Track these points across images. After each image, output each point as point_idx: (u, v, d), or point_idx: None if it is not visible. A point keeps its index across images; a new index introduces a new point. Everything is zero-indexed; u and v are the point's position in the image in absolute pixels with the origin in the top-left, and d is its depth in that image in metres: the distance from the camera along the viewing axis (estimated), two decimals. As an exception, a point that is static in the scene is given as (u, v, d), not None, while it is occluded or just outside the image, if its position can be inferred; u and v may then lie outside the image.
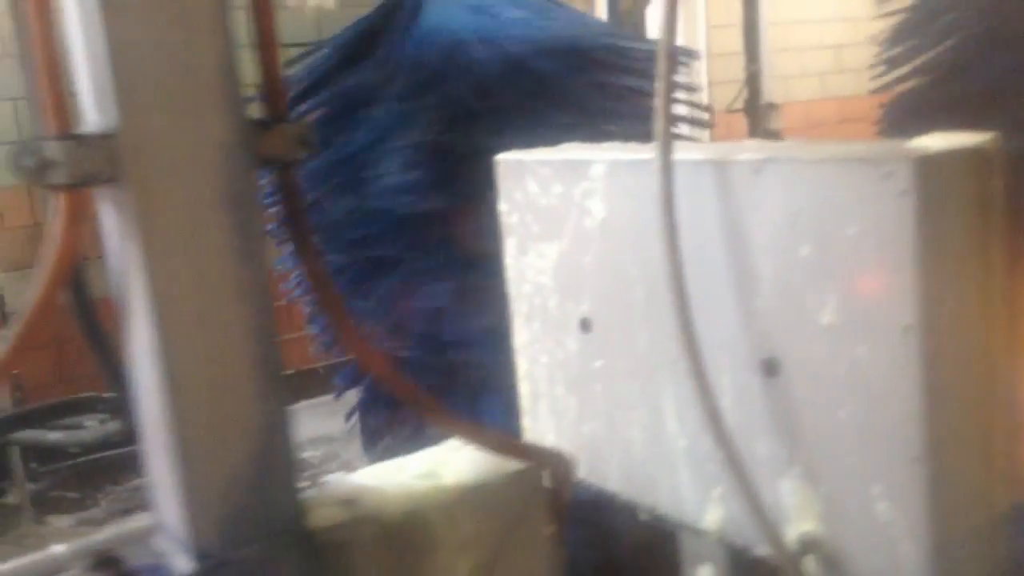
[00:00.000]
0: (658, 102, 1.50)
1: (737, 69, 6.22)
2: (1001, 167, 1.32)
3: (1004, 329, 1.45)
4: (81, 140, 0.97)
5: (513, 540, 1.29)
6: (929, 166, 1.26)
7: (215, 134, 1.03)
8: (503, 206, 2.04)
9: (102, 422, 1.57)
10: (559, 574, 1.34)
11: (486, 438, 1.26)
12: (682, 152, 1.54)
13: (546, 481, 1.31)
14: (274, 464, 1.11)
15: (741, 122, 6.17)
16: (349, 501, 1.22)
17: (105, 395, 1.59)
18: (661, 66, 1.49)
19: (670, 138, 1.48)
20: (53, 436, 1.56)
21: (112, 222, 1.04)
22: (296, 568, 1.14)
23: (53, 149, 0.96)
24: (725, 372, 1.59)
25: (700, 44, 7.29)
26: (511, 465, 1.29)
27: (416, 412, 1.20)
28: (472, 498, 1.26)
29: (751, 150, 1.51)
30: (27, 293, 0.98)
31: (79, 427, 1.60)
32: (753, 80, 5.90)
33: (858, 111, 7.95)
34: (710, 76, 7.30)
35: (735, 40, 6.23)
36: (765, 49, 5.95)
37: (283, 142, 1.08)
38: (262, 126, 1.07)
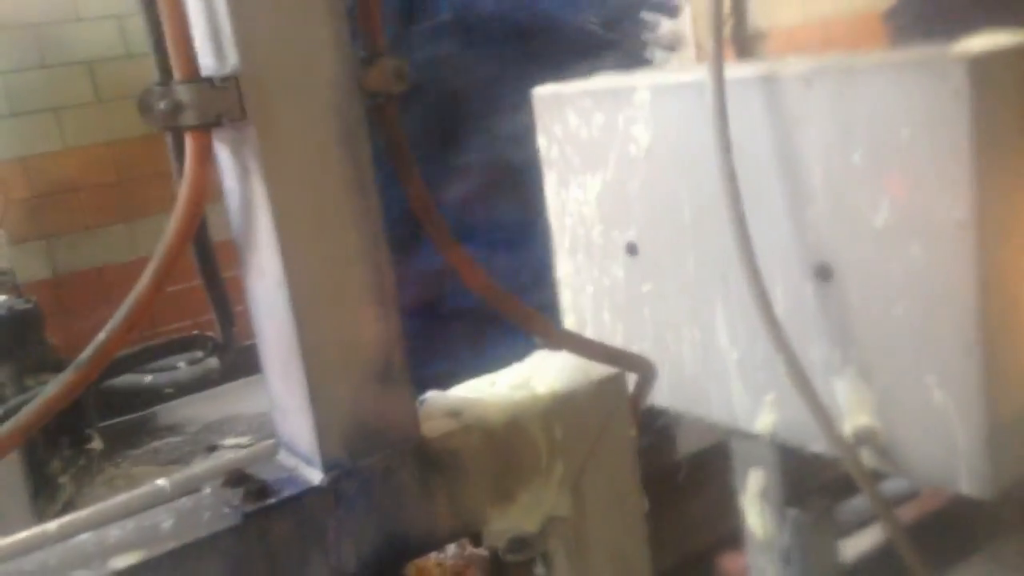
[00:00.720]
0: (709, 19, 1.55)
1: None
2: (1046, 64, 1.39)
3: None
4: (207, 82, 1.02)
5: (601, 443, 1.38)
6: (981, 65, 1.33)
7: (327, 71, 1.08)
8: (542, 140, 2.09)
9: (191, 363, 1.63)
10: (639, 475, 1.43)
11: (580, 344, 1.34)
12: (730, 71, 1.60)
13: (629, 386, 1.40)
14: (392, 378, 1.18)
15: (729, 51, 6.19)
16: (455, 412, 1.29)
17: (204, 334, 1.64)
18: (711, -10, 1.54)
19: (721, 56, 1.54)
20: (148, 379, 1.61)
21: (235, 161, 1.10)
22: (414, 475, 1.22)
23: (183, 92, 1.01)
24: (778, 281, 1.66)
25: (683, -26, 7.25)
26: (597, 372, 1.37)
27: (517, 322, 1.28)
28: (564, 405, 1.34)
29: (799, 64, 1.57)
30: (164, 233, 1.04)
31: (172, 368, 1.65)
32: (739, 7, 5.89)
33: (841, 35, 7.97)
34: (695, 8, 7.27)
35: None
36: (751, -24, 5.94)
37: (383, 77, 1.13)
38: (364, 62, 1.13)
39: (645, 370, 1.38)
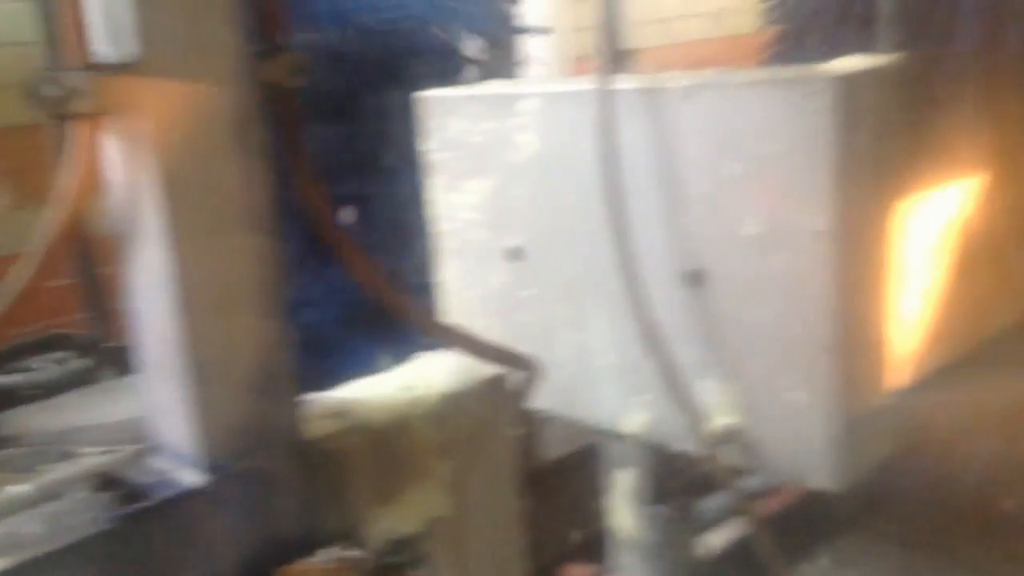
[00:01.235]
0: (599, 32, 1.59)
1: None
2: (901, 86, 1.50)
3: (897, 236, 1.65)
4: (103, 70, 0.98)
5: (484, 444, 1.40)
6: (848, 85, 1.42)
7: (224, 63, 1.05)
8: (427, 144, 2.09)
9: (59, 362, 1.54)
10: (521, 473, 1.46)
11: (469, 343, 1.35)
12: (615, 82, 1.64)
13: (512, 386, 1.42)
14: (277, 379, 1.16)
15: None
16: (339, 413, 1.28)
17: (67, 333, 1.55)
18: (600, 3, 1.59)
19: (610, 67, 1.58)
20: (9, 379, 1.52)
21: (125, 150, 1.05)
22: (297, 476, 1.20)
23: (77, 78, 0.97)
24: (653, 286, 1.72)
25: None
26: (482, 371, 1.38)
27: (411, 323, 1.28)
28: (449, 405, 1.35)
29: (679, 78, 1.63)
30: (45, 224, 0.99)
31: (33, 369, 1.55)
32: (609, 26, 6.04)
33: (702, 56, 8.29)
34: (570, 22, 7.40)
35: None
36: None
37: (281, 70, 1.11)
38: (262, 55, 1.10)
39: (531, 370, 1.41)
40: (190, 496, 1.10)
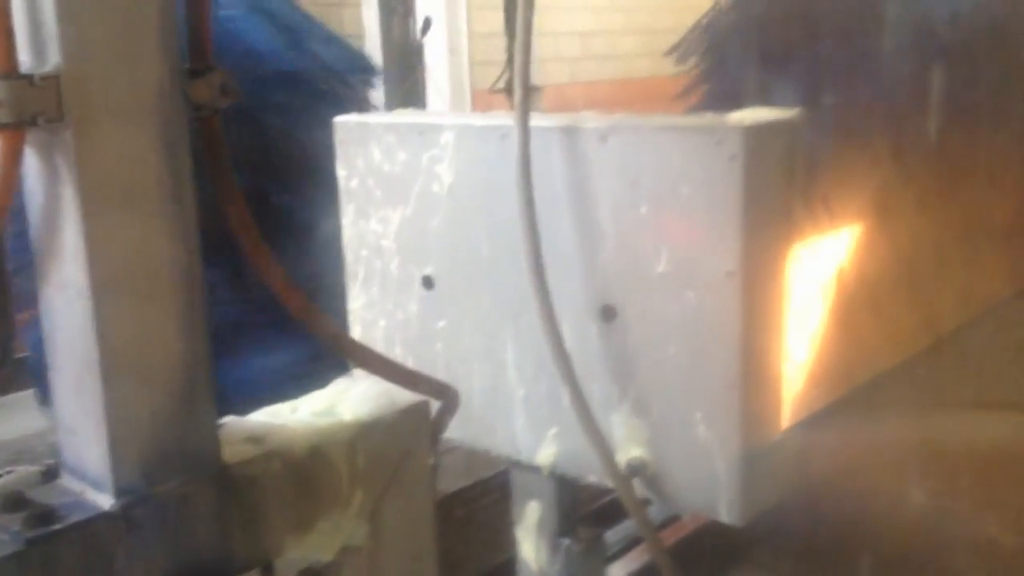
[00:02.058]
0: (516, 70, 1.64)
1: (499, 50, 6.48)
2: (802, 135, 1.59)
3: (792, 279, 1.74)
4: (26, 79, 0.96)
5: (402, 472, 1.40)
6: (754, 134, 1.50)
7: (153, 79, 1.04)
8: (342, 171, 2.09)
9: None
10: (436, 501, 1.46)
11: (389, 369, 1.35)
12: (534, 120, 1.69)
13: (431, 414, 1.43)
14: (195, 400, 1.15)
15: (502, 102, 6.46)
16: (256, 438, 1.27)
17: None
18: (519, 41, 1.64)
19: (528, 104, 1.63)
20: None
21: (45, 164, 1.03)
22: (211, 502, 1.18)
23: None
24: (566, 321, 1.76)
25: (462, 25, 7.48)
26: (402, 399, 1.39)
27: (331, 345, 1.27)
28: (368, 433, 1.35)
29: (595, 119, 1.69)
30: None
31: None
32: (524, 63, 6.16)
33: (601, 96, 8.53)
34: (472, 56, 7.51)
35: (497, 21, 6.48)
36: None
37: (210, 89, 1.11)
38: (192, 73, 1.10)
39: (449, 398, 1.42)
40: (101, 520, 1.07)
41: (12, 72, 0.96)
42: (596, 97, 8.66)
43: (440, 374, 2.01)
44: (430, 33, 5.32)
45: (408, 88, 5.40)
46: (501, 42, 6.47)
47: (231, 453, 1.22)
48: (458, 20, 7.36)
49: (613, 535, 2.13)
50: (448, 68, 6.71)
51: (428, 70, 5.81)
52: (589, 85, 8.82)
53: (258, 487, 1.23)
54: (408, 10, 5.02)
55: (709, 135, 1.52)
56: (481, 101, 6.60)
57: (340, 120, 2.07)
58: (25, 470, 1.18)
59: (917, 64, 2.66)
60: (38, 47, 0.99)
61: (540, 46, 7.46)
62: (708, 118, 1.58)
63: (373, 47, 5.06)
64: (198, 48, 1.11)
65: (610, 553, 2.07)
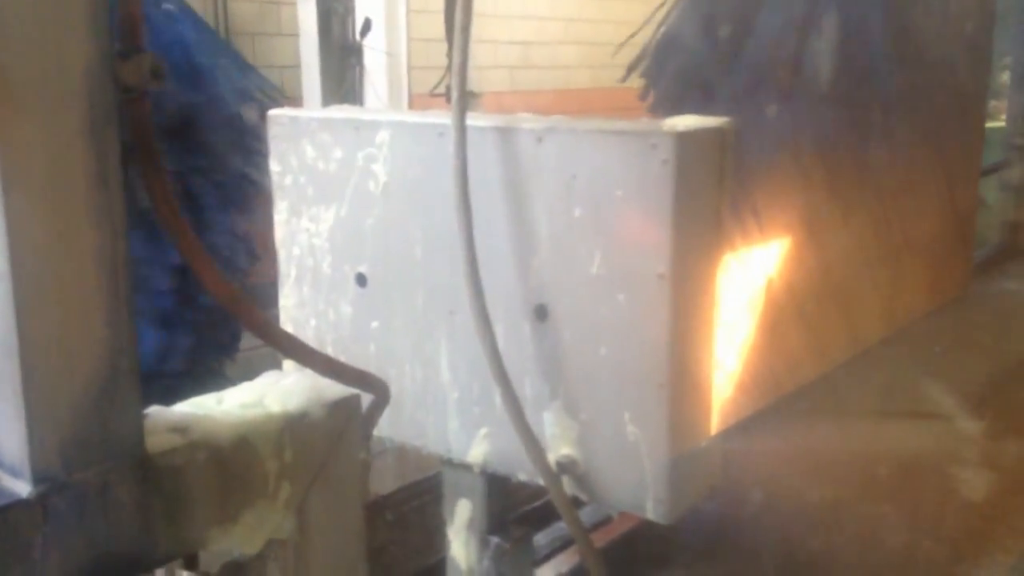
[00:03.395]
0: (454, 70, 1.64)
1: (438, 55, 6.48)
2: (733, 145, 1.63)
3: (722, 287, 1.77)
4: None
5: (330, 465, 1.39)
6: (686, 139, 1.53)
7: (80, 59, 1.02)
8: (275, 166, 2.07)
9: None
10: (365, 497, 1.46)
11: (317, 360, 1.34)
12: (470, 119, 1.70)
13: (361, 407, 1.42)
14: (118, 388, 1.12)
15: (441, 107, 6.45)
16: (180, 428, 1.24)
17: None
18: (457, 38, 1.64)
19: (465, 103, 1.63)
20: None
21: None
22: (133, 492, 1.15)
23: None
24: (499, 320, 1.77)
25: (401, 28, 7.46)
26: (331, 392, 1.38)
27: (259, 335, 1.26)
28: (296, 426, 1.33)
29: (532, 120, 1.70)
30: None
31: None
32: (463, 63, 6.19)
33: (540, 105, 8.58)
34: (411, 60, 7.49)
35: (437, 26, 6.48)
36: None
37: (139, 71, 1.09)
38: (121, 55, 1.08)
39: (380, 392, 1.41)
40: (17, 507, 1.04)
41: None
42: (535, 106, 8.67)
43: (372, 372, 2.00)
44: (369, 35, 5.30)
45: (346, 89, 5.37)
46: (441, 47, 6.45)
47: (155, 443, 1.20)
48: (397, 23, 7.34)
49: (544, 537, 2.14)
50: (386, 71, 6.68)
51: (366, 72, 5.78)
52: (528, 94, 8.87)
53: (182, 477, 1.21)
54: (348, 10, 4.99)
55: (643, 139, 1.55)
56: (419, 105, 6.57)
57: (273, 114, 2.05)
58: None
59: (847, 82, 2.74)
60: (-40, 23, 0.96)
61: (480, 53, 7.48)
62: (643, 123, 1.61)
63: (310, 46, 5.02)
64: (129, 30, 1.09)
65: (541, 555, 2.08)
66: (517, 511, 2.02)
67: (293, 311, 2.14)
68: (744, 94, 2.54)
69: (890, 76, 2.95)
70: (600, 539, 2.18)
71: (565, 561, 2.14)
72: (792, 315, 2.58)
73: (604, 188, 1.61)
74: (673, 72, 2.46)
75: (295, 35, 5.70)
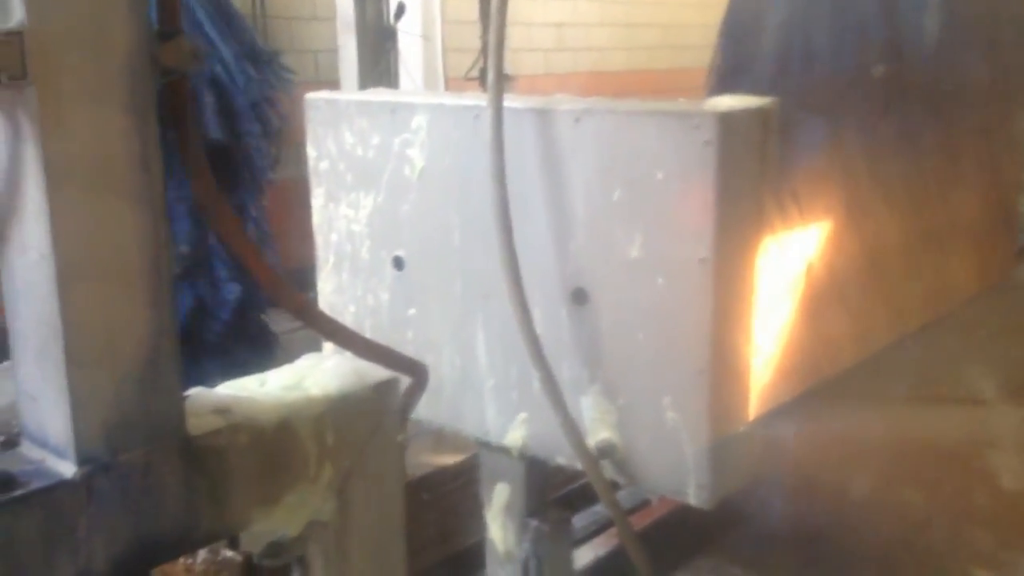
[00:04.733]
0: (490, 52, 1.63)
1: (472, 38, 6.45)
2: (776, 125, 1.60)
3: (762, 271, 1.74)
4: (-11, 37, 0.94)
5: (370, 448, 1.39)
6: (729, 120, 1.50)
7: (122, 39, 1.02)
8: (312, 151, 2.06)
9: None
10: (404, 478, 1.46)
11: (358, 343, 1.34)
12: (506, 100, 1.68)
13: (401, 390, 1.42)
14: (160, 369, 1.13)
15: (475, 90, 6.42)
16: (223, 410, 1.25)
17: None
18: (493, 23, 1.62)
19: (501, 84, 1.62)
20: None
21: (7, 123, 1.00)
22: (176, 473, 1.16)
23: (-40, 44, 0.92)
24: (536, 304, 1.75)
25: (435, 11, 7.43)
26: (371, 376, 1.38)
27: (299, 318, 1.26)
28: (337, 408, 1.33)
29: (569, 102, 1.68)
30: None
31: None
32: (499, 44, 6.16)
33: (575, 87, 8.52)
34: (445, 43, 7.47)
35: (471, 8, 6.44)
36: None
37: (179, 54, 1.09)
38: (161, 36, 1.08)
39: (418, 374, 1.41)
40: (63, 487, 1.05)
41: (-27, 30, 0.93)
42: (569, 89, 8.63)
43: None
44: (404, 18, 5.29)
45: (380, 72, 5.37)
46: (475, 30, 6.44)
47: (197, 424, 1.20)
48: (432, 5, 7.31)
49: (581, 520, 2.13)
50: (421, 54, 6.66)
51: (401, 56, 5.77)
52: (563, 76, 8.81)
53: (224, 459, 1.22)
54: (383, -7, 4.99)
55: (685, 120, 1.52)
56: (454, 89, 6.55)
57: (311, 97, 2.05)
58: (-16, 438, 1.16)
59: (891, 64, 2.69)
60: (2, 3, 0.96)
61: (514, 36, 7.42)
62: (683, 103, 1.59)
63: (346, 29, 5.01)
64: (167, 12, 1.09)
65: (578, 538, 2.07)
66: (555, 494, 2.01)
67: (331, 297, 2.14)
68: (790, 77, 2.51)
69: (940, 58, 2.89)
70: (639, 522, 2.17)
71: (603, 543, 2.13)
72: (832, 299, 2.53)
73: (644, 170, 1.59)
74: (733, 53, 2.42)
75: (331, 19, 5.70)
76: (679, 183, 1.56)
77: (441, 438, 2.06)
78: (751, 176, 1.58)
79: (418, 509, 2.48)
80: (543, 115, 1.69)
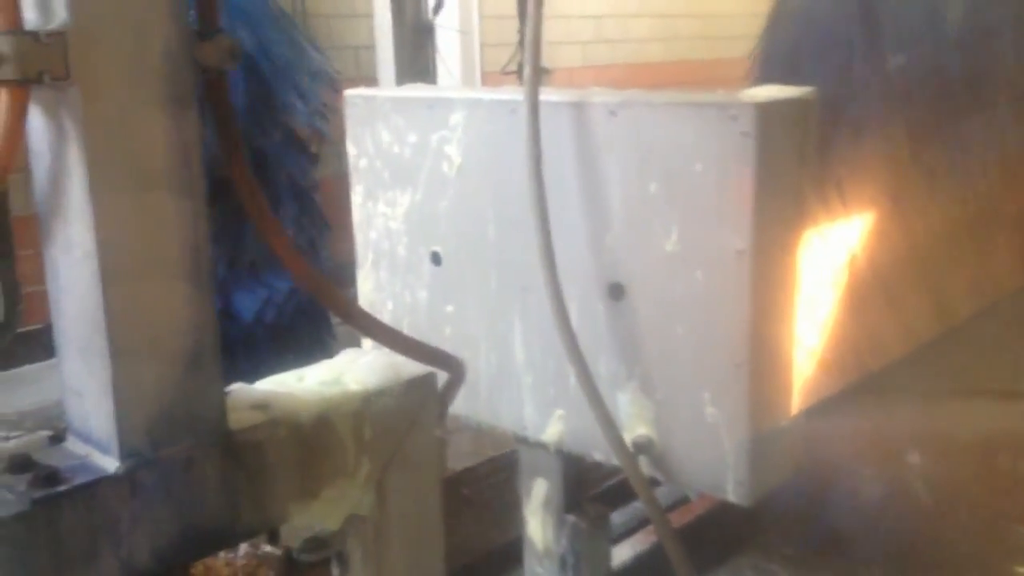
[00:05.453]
0: (527, 45, 1.62)
1: (510, 32, 6.44)
2: (815, 115, 1.58)
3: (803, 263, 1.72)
4: (31, 36, 0.95)
5: (408, 442, 1.39)
6: (767, 110, 1.48)
7: (161, 39, 1.04)
8: (351, 149, 2.08)
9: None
10: (443, 473, 1.46)
11: (395, 339, 1.35)
12: (542, 94, 1.67)
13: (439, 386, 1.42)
14: (202, 365, 1.14)
15: (514, 84, 6.41)
16: (262, 405, 1.26)
17: None
18: (530, 17, 1.62)
19: (538, 78, 1.61)
20: None
21: (51, 123, 1.02)
22: (217, 468, 1.18)
23: (4, 43, 0.94)
24: (573, 299, 1.75)
25: (473, 6, 7.43)
26: (408, 371, 1.38)
27: (337, 312, 1.27)
28: (375, 403, 1.34)
29: (605, 94, 1.67)
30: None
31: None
32: (536, 38, 6.15)
33: (613, 79, 8.48)
34: (483, 38, 7.47)
35: (509, 3, 6.43)
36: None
37: (218, 52, 1.10)
38: (200, 35, 1.09)
39: (456, 370, 1.41)
40: (106, 482, 1.07)
41: (16, 27, 0.95)
42: (608, 81, 8.58)
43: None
44: (442, 13, 5.30)
45: (419, 68, 5.39)
46: (512, 24, 6.42)
47: (237, 419, 1.22)
48: (470, 2, 7.32)
49: (619, 516, 2.12)
50: (459, 49, 6.68)
51: (439, 51, 5.78)
52: (601, 69, 8.76)
53: (264, 453, 1.23)
54: (420, -12, 4.99)
55: (722, 111, 1.51)
56: (492, 83, 6.54)
57: (349, 94, 2.06)
58: (33, 434, 1.18)
59: (934, 54, 2.64)
60: (45, 4, 0.98)
61: (552, 29, 7.41)
62: (721, 94, 1.57)
63: (384, 25, 5.03)
64: (206, 11, 1.10)
65: (616, 535, 2.06)
66: (593, 490, 2.01)
67: (371, 294, 2.15)
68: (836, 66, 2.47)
69: (984, 47, 2.83)
70: (677, 519, 2.15)
71: (642, 540, 2.12)
72: (876, 292, 2.50)
73: (681, 162, 1.58)
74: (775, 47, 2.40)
75: (370, 15, 5.73)
76: (716, 175, 1.54)
77: (480, 433, 2.07)
78: (790, 167, 1.56)
79: (457, 504, 2.49)
80: (579, 108, 1.68)
